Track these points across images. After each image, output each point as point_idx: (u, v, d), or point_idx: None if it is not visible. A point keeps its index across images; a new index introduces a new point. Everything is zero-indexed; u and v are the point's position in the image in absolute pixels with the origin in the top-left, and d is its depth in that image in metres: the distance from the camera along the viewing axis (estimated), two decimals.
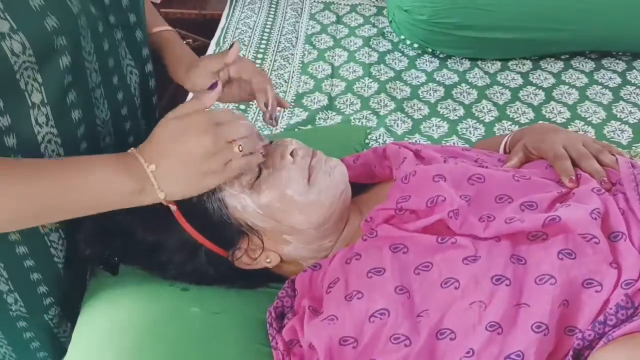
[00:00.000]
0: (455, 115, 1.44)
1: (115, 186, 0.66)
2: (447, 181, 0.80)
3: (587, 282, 0.71)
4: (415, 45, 1.63)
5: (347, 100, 1.47)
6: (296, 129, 1.25)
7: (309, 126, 1.37)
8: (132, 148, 0.69)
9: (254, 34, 1.69)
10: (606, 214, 0.76)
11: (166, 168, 0.67)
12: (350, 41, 1.69)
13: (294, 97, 1.47)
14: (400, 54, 1.64)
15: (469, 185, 0.82)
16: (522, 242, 0.76)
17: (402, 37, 1.64)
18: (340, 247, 0.84)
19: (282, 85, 1.51)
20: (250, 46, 1.64)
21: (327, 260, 0.81)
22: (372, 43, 1.68)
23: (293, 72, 1.56)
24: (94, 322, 0.80)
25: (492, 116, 1.44)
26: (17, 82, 0.65)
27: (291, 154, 0.81)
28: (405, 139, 1.35)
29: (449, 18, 1.53)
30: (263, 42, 1.67)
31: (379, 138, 1.34)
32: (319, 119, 1.40)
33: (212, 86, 0.75)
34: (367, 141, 1.26)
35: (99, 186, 0.66)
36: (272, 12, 1.80)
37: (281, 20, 1.77)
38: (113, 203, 0.68)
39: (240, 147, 0.68)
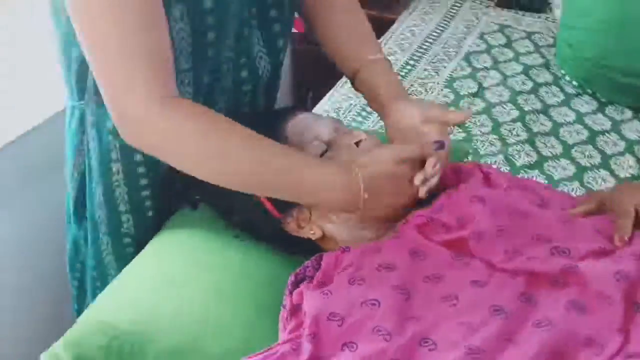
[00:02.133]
0: (589, 162, 1.35)
1: (335, 197, 0.81)
2: (485, 205, 0.80)
3: (588, 340, 0.67)
4: (575, 84, 1.55)
5: (478, 121, 1.46)
6: None
7: None
8: (360, 174, 0.80)
9: (414, 41, 1.74)
10: (638, 281, 0.70)
11: (372, 204, 0.81)
12: (509, 66, 1.66)
13: None
14: (557, 89, 1.57)
15: (508, 217, 0.80)
16: (542, 285, 0.73)
17: (563, 72, 1.56)
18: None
19: (421, 94, 1.55)
20: (406, 52, 1.70)
21: (357, 247, 0.86)
22: (532, 72, 1.63)
23: (437, 83, 1.59)
24: (159, 245, 0.95)
25: (630, 173, 1.32)
26: None
27: (356, 144, 0.88)
28: (521, 172, 1.30)
29: (614, 61, 1.43)
30: (420, 50, 1.71)
31: (494, 164, 1.32)
32: None
33: (439, 145, 0.84)
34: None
35: (324, 192, 0.81)
36: (442, 25, 1.83)
37: (448, 34, 1.79)
38: (326, 202, 0.83)
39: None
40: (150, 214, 0.98)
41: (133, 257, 0.97)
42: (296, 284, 0.86)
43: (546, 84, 1.59)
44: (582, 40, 1.46)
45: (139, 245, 0.97)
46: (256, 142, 0.79)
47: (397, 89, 0.93)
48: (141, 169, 0.92)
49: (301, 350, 0.75)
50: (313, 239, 0.90)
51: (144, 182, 0.94)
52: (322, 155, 0.88)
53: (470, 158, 1.31)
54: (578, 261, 0.73)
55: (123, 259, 0.98)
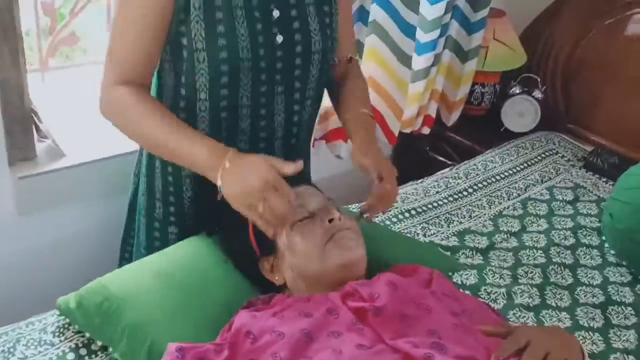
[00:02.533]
0: (588, 323, 1.39)
1: (202, 160, 1.07)
2: (395, 291, 0.97)
3: None
4: (612, 252, 1.60)
5: (501, 255, 1.57)
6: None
7: (448, 253, 1.54)
8: (231, 151, 1.07)
9: (481, 174, 1.90)
10: None
11: (229, 176, 1.04)
12: (561, 220, 1.74)
13: (462, 230, 1.65)
14: (598, 254, 1.62)
15: (415, 308, 0.96)
16: None
17: (604, 239, 1.63)
18: None
19: (463, 217, 1.69)
20: (469, 180, 1.86)
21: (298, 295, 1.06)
22: (581, 232, 1.69)
23: (484, 214, 1.73)
24: (173, 248, 1.22)
25: (625, 346, 1.35)
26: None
27: (329, 220, 1.09)
28: (515, 309, 1.39)
29: None
30: (483, 183, 1.86)
31: (492, 294, 1.42)
32: (461, 252, 1.56)
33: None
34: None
35: (192, 157, 1.08)
36: (517, 168, 1.97)
37: (518, 177, 1.92)
38: (196, 167, 1.10)
39: (260, 209, 1.01)
40: (172, 209, 1.28)
41: (158, 238, 1.30)
42: (246, 308, 1.08)
43: (589, 246, 1.65)
44: (620, 212, 1.53)
45: (162, 230, 1.29)
46: (157, 123, 1.09)
47: (359, 128, 1.25)
48: (170, 169, 1.25)
49: (221, 353, 0.97)
50: (276, 284, 1.11)
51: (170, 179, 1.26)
52: (301, 220, 1.10)
53: (465, 277, 1.43)
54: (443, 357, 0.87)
55: (151, 238, 1.31)
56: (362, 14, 1.81)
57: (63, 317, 1.14)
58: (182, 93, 1.17)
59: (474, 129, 2.34)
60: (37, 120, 1.58)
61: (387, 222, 1.62)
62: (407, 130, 2.23)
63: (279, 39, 1.14)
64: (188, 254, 1.18)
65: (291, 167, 1.03)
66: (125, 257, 1.42)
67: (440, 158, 2.30)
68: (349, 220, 1.13)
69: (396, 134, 2.15)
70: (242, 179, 1.02)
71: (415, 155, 2.36)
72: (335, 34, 1.23)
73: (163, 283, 1.11)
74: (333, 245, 1.06)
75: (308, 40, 1.17)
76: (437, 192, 1.79)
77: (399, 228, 1.61)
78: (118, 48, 1.12)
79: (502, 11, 2.22)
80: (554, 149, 2.11)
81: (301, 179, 1.24)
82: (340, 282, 1.06)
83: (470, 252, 1.57)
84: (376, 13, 1.91)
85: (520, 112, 2.28)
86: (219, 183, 1.04)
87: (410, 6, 1.89)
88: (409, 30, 1.93)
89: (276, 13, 1.14)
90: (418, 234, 1.60)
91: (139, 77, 1.12)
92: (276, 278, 1.11)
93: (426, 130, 2.28)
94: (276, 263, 1.11)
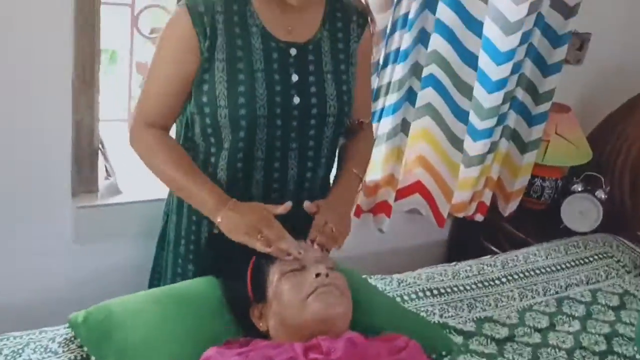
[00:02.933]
0: None
1: (205, 206, 1.23)
2: (354, 348, 0.99)
3: None
4: None
5: (518, 349, 1.50)
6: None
7: (460, 337, 1.51)
8: (233, 199, 1.22)
9: (519, 265, 1.86)
10: None
11: (230, 212, 1.21)
12: (597, 325, 1.64)
13: (483, 317, 1.61)
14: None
15: None
16: None
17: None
18: None
19: (489, 305, 1.65)
20: (507, 268, 1.82)
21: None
22: (616, 339, 1.58)
23: (512, 305, 1.67)
24: (183, 283, 1.33)
25: None
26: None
27: (317, 275, 1.15)
28: None
29: None
30: (522, 275, 1.81)
31: None
32: (475, 339, 1.52)
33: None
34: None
35: (199, 201, 1.24)
36: (564, 265, 1.90)
37: (562, 275, 1.85)
38: (199, 207, 1.27)
39: (260, 237, 1.18)
40: (192, 247, 1.42)
41: (180, 274, 1.42)
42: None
43: (622, 355, 1.54)
44: None
45: (184, 267, 1.41)
46: (174, 167, 1.28)
47: (338, 190, 1.38)
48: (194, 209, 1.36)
49: None
50: (260, 330, 1.17)
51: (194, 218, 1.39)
52: (292, 271, 1.16)
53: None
54: None
55: (175, 274, 1.44)
56: (411, 96, 1.89)
57: (71, 329, 1.26)
58: (211, 141, 1.31)
59: (531, 222, 2.29)
60: (105, 160, 1.79)
61: (405, 297, 1.62)
62: (460, 215, 2.23)
63: (296, 100, 1.26)
64: (191, 290, 1.28)
65: (280, 208, 1.24)
66: (156, 277, 1.55)
67: (494, 248, 2.26)
68: (339, 277, 1.17)
69: (445, 216, 2.16)
70: (241, 215, 1.21)
71: (469, 243, 2.35)
72: (351, 100, 1.33)
73: (158, 312, 1.20)
74: (314, 299, 1.11)
75: (323, 103, 1.28)
76: (467, 276, 1.77)
77: (413, 305, 1.60)
78: (145, 99, 1.31)
79: (567, 107, 2.21)
80: (610, 253, 2.01)
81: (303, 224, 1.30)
82: (318, 336, 1.09)
83: (485, 340, 1.53)
84: (429, 96, 1.99)
85: (581, 211, 2.22)
86: (218, 220, 1.22)
87: (464, 92, 1.95)
88: (461, 115, 1.98)
89: (295, 77, 1.27)
90: (434, 314, 1.59)
91: (161, 122, 1.31)
92: (261, 324, 1.17)
93: (479, 218, 2.27)
94: (264, 310, 1.17)
